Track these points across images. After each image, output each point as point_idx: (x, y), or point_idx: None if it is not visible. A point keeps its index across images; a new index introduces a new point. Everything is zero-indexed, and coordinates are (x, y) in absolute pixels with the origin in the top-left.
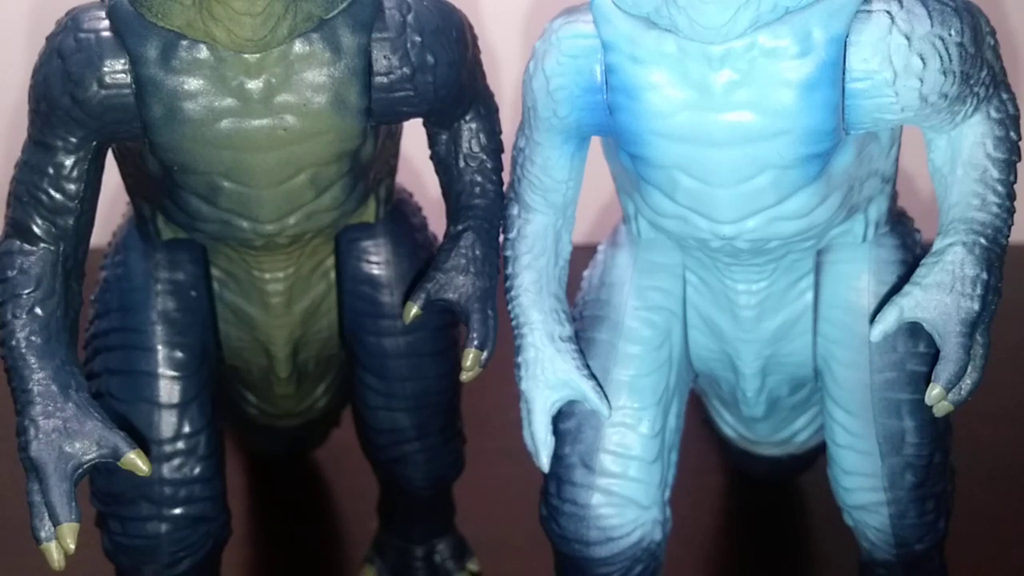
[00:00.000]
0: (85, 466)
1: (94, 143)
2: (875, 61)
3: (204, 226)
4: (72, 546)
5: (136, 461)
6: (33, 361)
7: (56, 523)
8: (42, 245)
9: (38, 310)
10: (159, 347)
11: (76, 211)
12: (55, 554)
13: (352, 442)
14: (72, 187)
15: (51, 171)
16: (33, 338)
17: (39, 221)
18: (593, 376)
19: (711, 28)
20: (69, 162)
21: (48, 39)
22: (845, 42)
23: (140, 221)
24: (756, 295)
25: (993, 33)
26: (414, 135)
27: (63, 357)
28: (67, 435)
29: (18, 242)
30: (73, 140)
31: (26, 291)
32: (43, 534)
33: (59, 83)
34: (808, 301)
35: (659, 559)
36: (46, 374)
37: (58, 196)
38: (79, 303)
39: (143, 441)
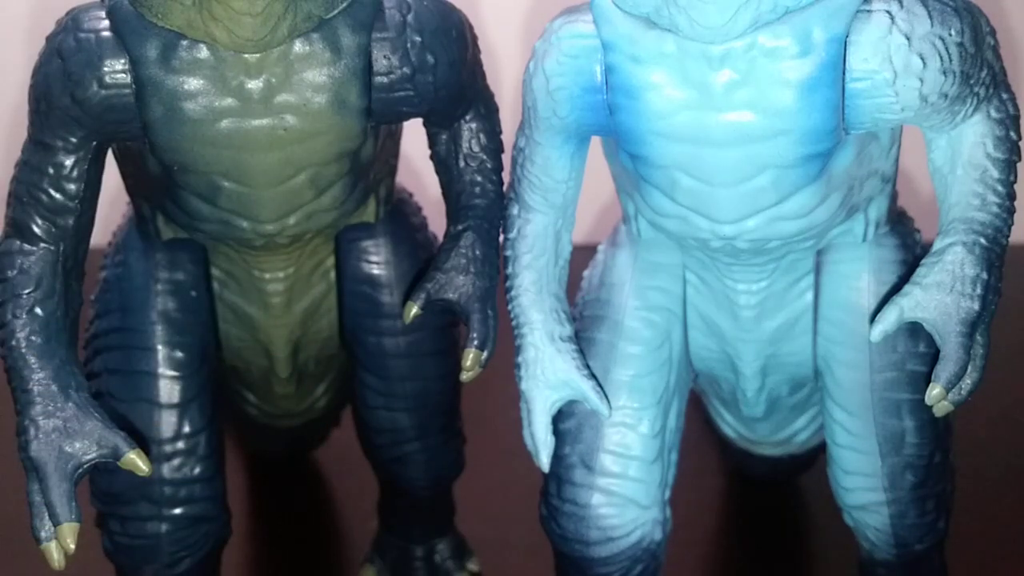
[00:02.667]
0: (85, 466)
1: (94, 143)
2: (875, 61)
3: (204, 226)
4: (72, 546)
5: (136, 461)
6: (33, 361)
7: (56, 523)
8: (42, 245)
9: (38, 310)
10: (159, 347)
11: (76, 211)
12: (55, 554)
13: (352, 442)
14: (72, 187)
15: (51, 171)
16: (33, 338)
17: (39, 221)
18: (593, 376)
19: (711, 28)
20: (69, 162)
21: (48, 39)
22: (845, 42)
23: (140, 221)
24: (756, 295)
25: (993, 33)
26: (414, 135)
27: (63, 357)
28: (67, 435)
29: (18, 242)
30: (73, 140)
31: (26, 291)
32: (43, 534)
33: (59, 83)
34: (808, 301)
35: (659, 559)
36: (46, 374)
37: (58, 196)
38: (79, 303)
39: (143, 441)
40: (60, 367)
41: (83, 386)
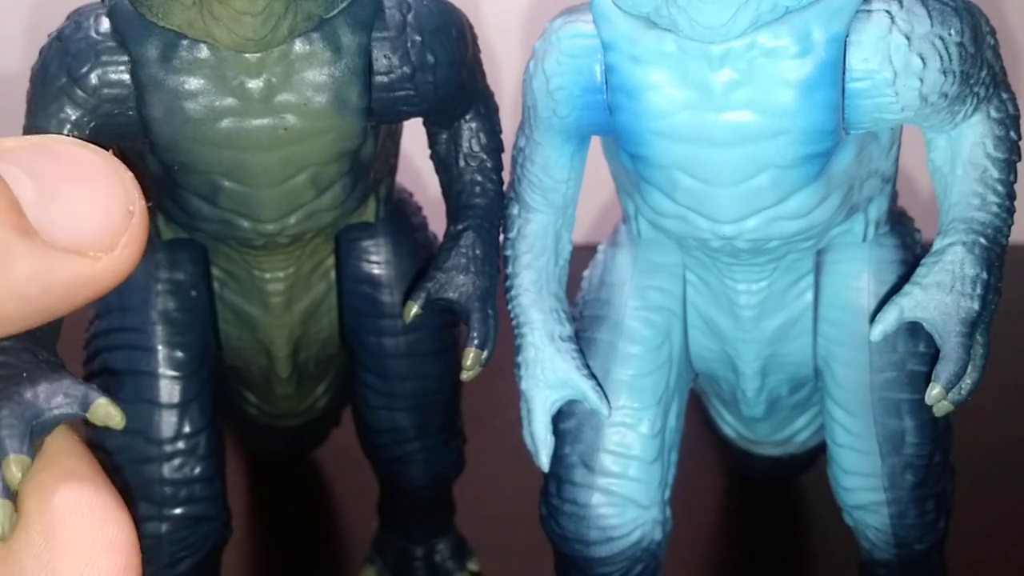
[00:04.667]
0: (47, 417)
1: (90, 128)
2: (875, 61)
3: (205, 226)
4: (19, 476)
5: (108, 408)
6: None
7: (3, 456)
8: None
9: None
10: (159, 347)
11: None
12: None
13: (352, 442)
14: None
15: None
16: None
17: None
18: (593, 376)
19: (711, 28)
20: None
21: (50, 36)
22: (845, 42)
23: None
24: (756, 295)
25: (993, 33)
26: (414, 135)
27: (39, 339)
28: (29, 383)
29: None
30: (68, 123)
31: None
32: None
33: (56, 60)
34: (808, 301)
35: (659, 559)
36: (15, 343)
37: None
38: None
39: (143, 441)
40: (34, 344)
41: (54, 357)
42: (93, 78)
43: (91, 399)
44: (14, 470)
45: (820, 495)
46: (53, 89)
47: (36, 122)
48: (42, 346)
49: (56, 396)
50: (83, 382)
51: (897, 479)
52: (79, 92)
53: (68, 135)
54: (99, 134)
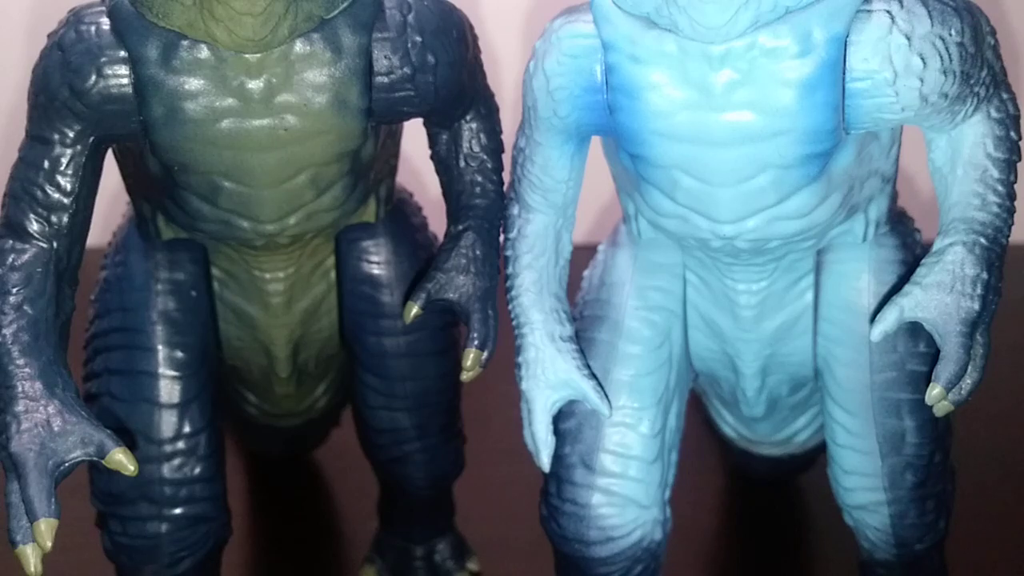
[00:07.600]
0: (68, 464)
1: (91, 139)
2: (875, 61)
3: (205, 226)
4: (49, 544)
5: (122, 459)
6: (18, 358)
7: (33, 519)
8: (35, 242)
9: (27, 308)
10: (159, 347)
11: (71, 208)
12: (31, 558)
13: (352, 442)
14: (67, 183)
15: (47, 165)
16: (21, 335)
17: (32, 218)
18: (593, 376)
19: (711, 28)
20: (65, 157)
21: (50, 36)
22: (845, 42)
23: (140, 221)
24: (756, 295)
25: (993, 33)
26: (414, 135)
27: (50, 357)
28: (50, 432)
29: (10, 241)
30: (70, 134)
31: (15, 288)
32: (18, 537)
33: (58, 74)
34: (808, 301)
35: (659, 559)
36: (32, 371)
37: (53, 192)
38: (70, 308)
39: (143, 441)
40: (47, 366)
41: (70, 386)
42: (95, 93)
43: (107, 449)
44: (45, 538)
45: (820, 495)
46: (56, 102)
47: (40, 133)
48: (56, 368)
49: (76, 448)
50: (99, 427)
51: (897, 479)
52: (81, 106)
53: (70, 148)
54: (100, 143)
